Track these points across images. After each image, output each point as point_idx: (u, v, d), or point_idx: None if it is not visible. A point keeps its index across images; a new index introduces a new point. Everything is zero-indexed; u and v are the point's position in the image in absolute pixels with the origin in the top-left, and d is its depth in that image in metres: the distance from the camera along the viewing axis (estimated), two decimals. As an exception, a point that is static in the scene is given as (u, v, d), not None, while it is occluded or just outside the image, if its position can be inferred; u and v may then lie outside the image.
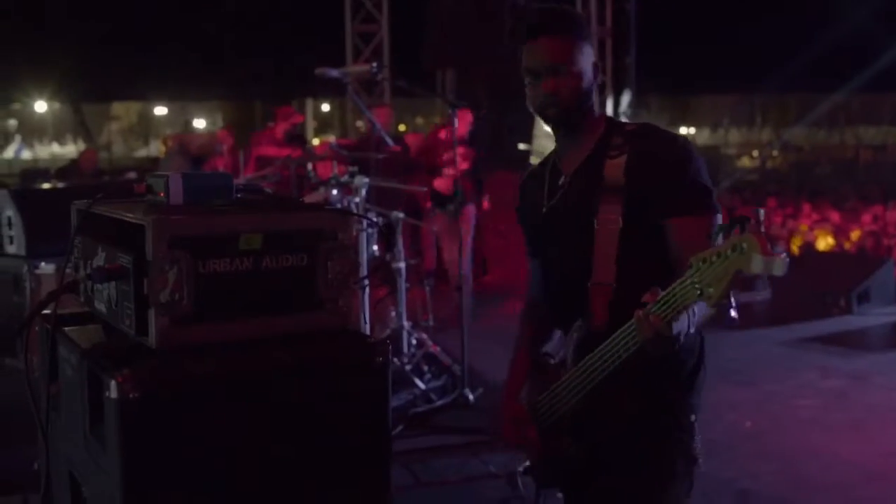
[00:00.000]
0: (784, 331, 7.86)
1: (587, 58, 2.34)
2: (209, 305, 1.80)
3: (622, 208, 2.26)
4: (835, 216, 16.05)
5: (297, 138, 9.22)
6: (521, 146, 13.15)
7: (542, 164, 2.62)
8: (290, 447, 1.82)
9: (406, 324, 5.37)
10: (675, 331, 1.96)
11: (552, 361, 2.52)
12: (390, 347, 2.00)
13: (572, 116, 2.35)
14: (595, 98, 2.40)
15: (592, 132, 2.39)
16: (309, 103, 31.72)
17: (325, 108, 34.34)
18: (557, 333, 2.66)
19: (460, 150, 6.39)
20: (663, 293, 1.95)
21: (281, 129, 9.01)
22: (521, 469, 4.49)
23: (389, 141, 6.20)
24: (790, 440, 5.39)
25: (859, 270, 9.03)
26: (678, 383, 2.36)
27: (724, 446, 5.00)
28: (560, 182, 2.43)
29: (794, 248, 12.51)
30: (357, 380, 1.89)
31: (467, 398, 4.98)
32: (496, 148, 12.45)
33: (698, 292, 1.86)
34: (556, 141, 2.48)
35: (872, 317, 8.65)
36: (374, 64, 4.94)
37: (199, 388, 1.76)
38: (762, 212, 1.75)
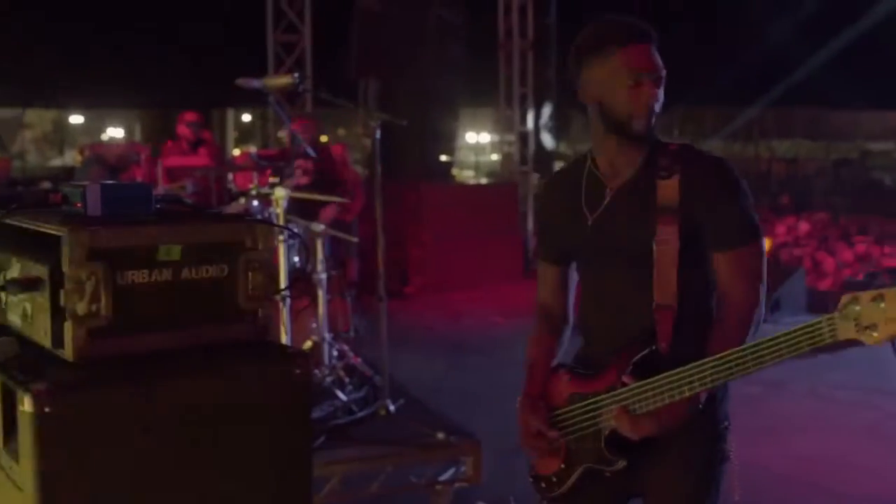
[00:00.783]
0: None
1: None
2: (127, 317, 1.79)
3: (679, 230, 2.29)
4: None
5: (203, 144, 9.07)
6: (444, 157, 13.23)
7: (570, 170, 2.59)
8: (209, 459, 1.81)
9: (327, 335, 5.35)
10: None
11: (583, 370, 2.49)
12: (311, 359, 2.00)
13: (646, 128, 2.34)
14: None
15: (638, 148, 2.38)
16: (230, 113, 31.39)
17: (247, 118, 34.01)
18: (566, 339, 2.67)
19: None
20: (801, 325, 1.99)
21: (192, 136, 8.92)
22: (443, 479, 4.53)
23: (312, 152, 6.18)
24: (705, 446, 5.51)
25: (771, 280, 9.28)
26: (716, 393, 2.41)
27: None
28: (605, 194, 2.42)
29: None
30: (277, 391, 1.90)
31: (388, 409, 4.98)
32: (418, 159, 12.49)
33: (860, 328, 1.87)
34: (599, 150, 2.45)
35: (784, 325, 8.85)
36: (297, 75, 4.93)
37: (116, 401, 1.74)
38: None
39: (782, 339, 1.99)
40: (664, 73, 2.33)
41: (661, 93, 2.33)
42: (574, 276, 2.64)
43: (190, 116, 9.03)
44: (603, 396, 2.34)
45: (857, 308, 1.86)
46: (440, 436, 4.61)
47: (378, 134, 4.75)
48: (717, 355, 2.14)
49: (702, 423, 2.36)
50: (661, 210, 2.30)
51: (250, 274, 1.93)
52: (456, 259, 11.33)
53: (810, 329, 1.95)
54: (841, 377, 7.18)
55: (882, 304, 1.82)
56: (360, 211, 9.34)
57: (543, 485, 2.51)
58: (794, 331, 1.97)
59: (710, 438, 2.42)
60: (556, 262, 2.63)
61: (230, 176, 5.74)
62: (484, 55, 13.60)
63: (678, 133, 39.35)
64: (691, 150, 2.41)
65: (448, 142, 13.78)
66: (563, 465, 2.45)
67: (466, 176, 28.45)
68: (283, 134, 12.03)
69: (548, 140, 14.44)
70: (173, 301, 1.84)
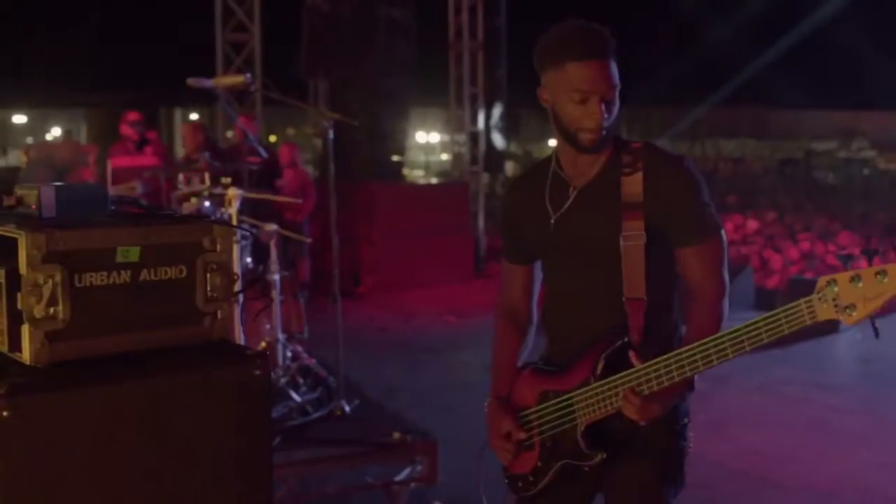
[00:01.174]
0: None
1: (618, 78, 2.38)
2: (86, 320, 1.77)
3: (644, 224, 2.34)
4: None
5: (148, 144, 8.98)
6: (395, 157, 13.23)
7: (534, 171, 2.62)
8: (170, 462, 1.80)
9: (281, 336, 5.34)
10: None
11: (551, 368, 2.52)
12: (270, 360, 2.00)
13: (605, 140, 2.37)
14: None
15: (604, 147, 2.41)
16: (177, 113, 31.06)
17: (194, 117, 33.68)
18: (531, 339, 2.71)
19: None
20: (779, 310, 2.04)
21: (135, 135, 8.83)
22: (398, 479, 4.53)
23: (262, 151, 6.15)
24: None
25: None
26: None
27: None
28: (569, 194, 2.45)
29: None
30: (237, 393, 1.89)
31: (344, 410, 4.98)
32: (369, 159, 12.49)
33: (839, 309, 1.92)
34: (562, 152, 2.47)
35: (732, 321, 8.99)
36: (248, 74, 4.90)
37: (75, 405, 1.73)
38: None
39: (762, 322, 2.04)
40: (618, 88, 2.35)
41: (612, 108, 2.34)
42: (538, 276, 2.67)
43: (132, 116, 8.94)
44: (577, 392, 2.38)
45: (836, 289, 1.91)
46: (396, 436, 4.62)
47: (331, 134, 4.75)
48: (699, 342, 2.19)
49: (664, 420, 2.40)
50: (626, 206, 2.34)
51: (209, 275, 1.92)
52: (408, 259, 11.34)
53: (790, 311, 1.99)
54: (786, 373, 7.33)
55: (860, 285, 1.87)
56: (310, 211, 9.31)
57: (520, 484, 2.53)
58: (775, 314, 2.02)
59: (671, 434, 2.47)
60: (520, 262, 2.66)
61: (181, 176, 5.68)
62: (434, 55, 13.63)
63: (626, 133, 39.78)
64: (654, 148, 2.46)
65: (398, 141, 13.78)
66: (539, 464, 2.47)
67: (416, 176, 28.46)
68: (231, 133, 11.96)
69: (498, 140, 14.53)
70: (132, 303, 1.83)
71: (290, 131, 30.94)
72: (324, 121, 4.75)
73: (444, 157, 35.00)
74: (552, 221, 2.46)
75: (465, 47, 13.34)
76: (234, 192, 4.67)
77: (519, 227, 2.60)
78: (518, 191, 2.66)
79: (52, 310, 1.73)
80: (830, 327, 8.52)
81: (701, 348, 2.18)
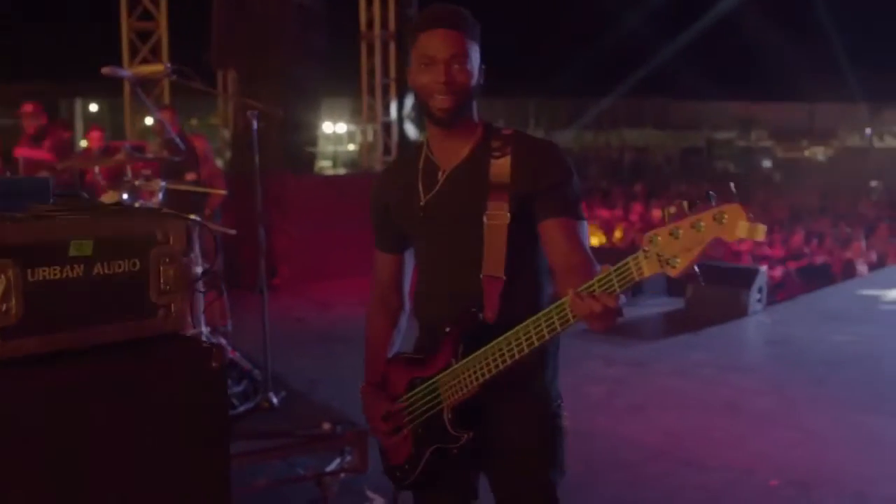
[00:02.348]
0: (566, 323, 8.24)
1: (477, 58, 2.39)
2: (39, 315, 1.74)
3: (509, 205, 2.35)
4: (604, 213, 17.03)
5: (48, 136, 8.76)
6: (309, 149, 13.12)
7: (405, 158, 2.63)
8: (128, 456, 1.78)
9: (204, 329, 5.26)
10: (621, 302, 2.05)
11: (417, 355, 2.54)
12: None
13: (458, 111, 2.37)
14: (476, 102, 2.44)
15: (471, 133, 2.45)
16: (78, 104, 30.22)
17: (94, 108, 32.83)
18: (404, 325, 2.72)
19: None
20: (611, 269, 2.02)
21: (31, 128, 8.63)
22: (329, 469, 4.52)
23: (180, 143, 6.04)
24: (580, 425, 5.63)
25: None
26: (549, 367, 2.52)
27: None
28: (438, 177, 2.46)
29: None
30: (194, 385, 1.88)
31: (272, 402, 4.94)
32: (282, 150, 12.35)
33: (663, 263, 1.91)
34: (431, 137, 2.50)
35: (646, 307, 9.28)
36: (169, 64, 4.81)
37: (31, 402, 1.69)
38: (733, 185, 1.83)
39: (596, 283, 2.03)
40: (470, 59, 2.35)
41: (462, 76, 2.34)
42: (410, 266, 2.70)
43: (27, 108, 8.70)
44: (440, 376, 2.40)
45: (658, 244, 1.92)
46: (326, 426, 4.61)
47: (255, 124, 4.69)
48: (548, 308, 2.18)
49: (534, 403, 2.47)
50: (492, 187, 2.37)
51: (162, 268, 1.91)
52: (323, 249, 11.28)
53: (620, 269, 2.00)
54: (699, 356, 7.55)
55: (679, 237, 1.89)
56: (219, 203, 9.17)
57: (398, 474, 2.56)
58: (607, 274, 2.02)
59: (543, 416, 2.50)
60: (392, 250, 2.67)
61: (97, 168, 5.54)
62: (343, 45, 13.55)
63: (534, 124, 40.25)
64: (524, 134, 2.49)
65: (310, 132, 13.66)
66: (412, 452, 2.49)
67: (324, 166, 28.29)
68: (150, 122, 11.68)
69: (411, 130, 14.52)
70: (86, 297, 1.80)
71: (194, 122, 30.41)
72: (248, 111, 4.68)
73: (352, 147, 34.88)
74: (421, 204, 2.48)
75: (376, 37, 13.30)
76: (156, 184, 4.59)
77: (389, 213, 2.60)
78: (389, 177, 2.66)
79: (3, 306, 1.70)
80: (740, 311, 8.82)
81: (556, 308, 2.14)
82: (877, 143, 44.38)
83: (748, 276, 9.24)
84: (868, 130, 45.27)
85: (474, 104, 2.44)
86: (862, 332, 8.35)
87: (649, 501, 4.67)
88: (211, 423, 1.91)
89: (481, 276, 2.37)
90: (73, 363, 1.76)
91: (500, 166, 2.38)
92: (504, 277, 2.35)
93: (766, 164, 39.43)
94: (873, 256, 13.48)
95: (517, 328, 2.21)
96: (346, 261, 11.44)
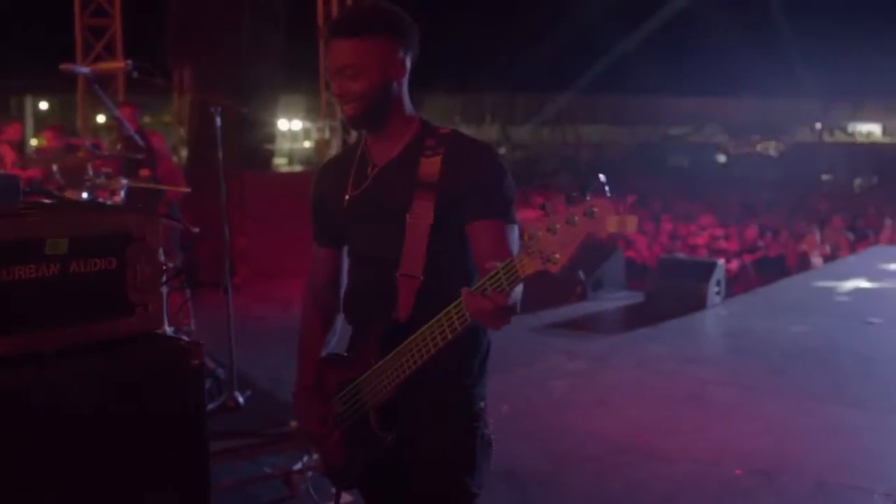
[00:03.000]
0: (531, 318, 8.29)
1: (382, 57, 2.32)
2: (15, 315, 1.72)
3: (434, 205, 2.31)
4: (557, 205, 17.13)
5: None
6: (267, 146, 13.03)
7: (344, 153, 2.62)
8: (111, 453, 1.76)
9: (168, 329, 5.20)
10: (511, 301, 2.04)
11: (346, 355, 2.50)
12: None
13: (367, 116, 2.35)
14: (402, 96, 2.40)
15: (404, 130, 2.42)
16: (28, 100, 29.74)
17: (44, 105, 32.32)
18: (338, 325, 2.65)
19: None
20: (500, 266, 2.00)
21: None
22: (297, 468, 4.50)
23: (140, 140, 5.97)
24: (545, 420, 5.74)
25: (592, 259, 9.68)
26: (471, 372, 2.45)
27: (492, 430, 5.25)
28: (368, 172, 2.44)
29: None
30: (174, 383, 1.86)
31: (237, 401, 4.91)
32: (239, 147, 12.25)
33: (544, 260, 1.90)
34: (367, 133, 2.47)
35: (606, 301, 9.36)
36: (129, 60, 4.75)
37: (9, 403, 1.67)
38: (603, 177, 1.84)
39: (487, 282, 2.03)
40: (357, 63, 2.31)
41: (352, 82, 2.32)
42: (346, 261, 2.64)
43: None
44: (364, 377, 2.38)
45: (538, 242, 1.92)
46: (292, 424, 4.59)
47: (218, 121, 4.65)
48: (440, 314, 2.17)
49: (456, 407, 2.43)
50: (419, 185, 2.34)
51: (138, 266, 1.88)
52: (282, 247, 11.19)
53: (507, 268, 1.99)
54: (660, 350, 7.62)
55: (556, 232, 1.89)
56: (177, 200, 9.07)
57: (336, 475, 2.55)
58: (496, 272, 2.02)
59: (462, 419, 2.44)
60: (326, 245, 2.63)
61: (55, 166, 5.45)
62: (300, 41, 13.47)
63: (489, 120, 40.35)
64: (460, 134, 2.46)
65: (268, 129, 13.57)
66: (347, 453, 2.47)
67: (280, 163, 28.11)
68: (102, 120, 11.53)
69: (369, 127, 14.45)
70: (62, 296, 1.77)
71: (148, 119, 30.04)
72: (212, 108, 4.64)
73: (308, 144, 34.69)
74: (347, 198, 2.46)
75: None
76: (118, 182, 4.53)
77: (323, 207, 2.58)
78: (326, 171, 2.64)
79: (-21, 306, 1.67)
80: (699, 304, 8.92)
81: (455, 308, 2.14)
82: (826, 139, 45.17)
83: (706, 270, 9.34)
84: (818, 125, 46.06)
85: (403, 100, 2.40)
86: (818, 323, 8.49)
87: (616, 494, 4.70)
88: (191, 422, 1.90)
89: (398, 274, 2.33)
90: (51, 363, 1.73)
91: (431, 165, 2.35)
92: (421, 277, 2.32)
93: (720, 158, 39.91)
94: (827, 249, 13.70)
95: (423, 328, 2.20)
96: (305, 258, 11.35)
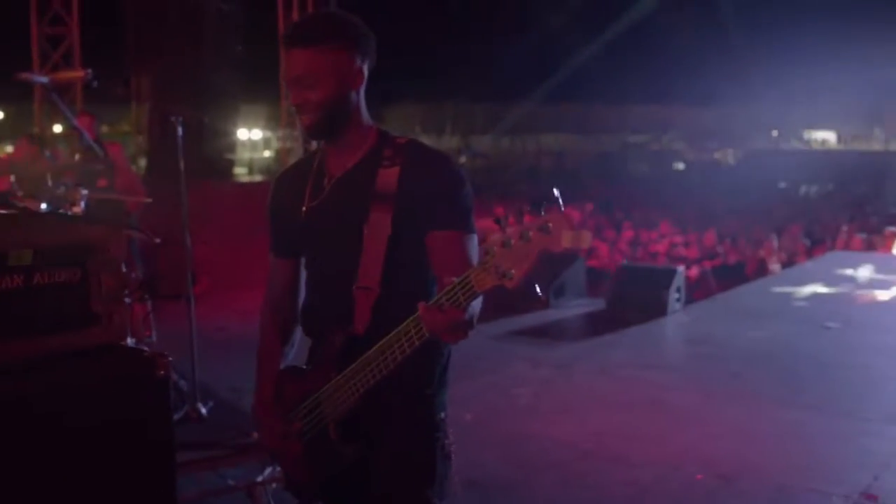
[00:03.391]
0: (493, 326, 8.30)
1: (340, 67, 2.31)
2: (-22, 327, 1.70)
3: (392, 216, 2.30)
4: (510, 219, 17.21)
5: None
6: (227, 156, 12.98)
7: (301, 163, 2.59)
8: (77, 465, 1.75)
9: (130, 341, 5.16)
10: (468, 315, 2.04)
11: (305, 368, 2.48)
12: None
13: (324, 125, 2.34)
14: (360, 105, 2.38)
15: (362, 140, 2.40)
16: (-18, 110, 29.33)
17: (-1, 115, 31.91)
18: (297, 336, 2.62)
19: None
20: (456, 281, 2.00)
21: None
22: (260, 479, 4.48)
23: (99, 150, 5.92)
24: (509, 427, 5.76)
25: (553, 269, 9.72)
26: (431, 382, 2.43)
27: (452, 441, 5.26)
28: (325, 184, 2.42)
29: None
30: (139, 394, 1.86)
31: (200, 412, 4.88)
32: (199, 157, 12.18)
33: (499, 276, 1.90)
34: (325, 143, 2.45)
35: (568, 309, 9.42)
36: (89, 70, 4.70)
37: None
38: (557, 191, 1.82)
39: (444, 297, 2.03)
40: (312, 73, 2.30)
41: (310, 92, 2.31)
42: (304, 272, 2.61)
43: None
44: (324, 390, 2.36)
45: (493, 257, 1.92)
46: (255, 436, 4.56)
47: (180, 131, 4.63)
48: (399, 329, 2.16)
49: (417, 417, 2.41)
50: (377, 197, 2.32)
51: (102, 277, 1.88)
52: (242, 257, 11.15)
53: (464, 282, 2.00)
54: (623, 356, 7.68)
55: (511, 248, 1.89)
56: (138, 210, 8.99)
57: (298, 489, 2.53)
58: (452, 287, 2.02)
59: (426, 429, 2.43)
60: (283, 256, 2.61)
61: (12, 177, 5.38)
62: (261, 50, 13.43)
63: (450, 130, 40.46)
64: (419, 144, 2.44)
65: (228, 139, 13.53)
66: (309, 466, 2.45)
67: (240, 173, 27.97)
68: (59, 129, 11.40)
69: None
70: (26, 307, 1.76)
71: (105, 129, 29.76)
72: (172, 118, 4.62)
73: (267, 153, 34.52)
74: (304, 210, 2.44)
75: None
76: (78, 193, 4.49)
77: (280, 217, 2.56)
78: (283, 182, 2.60)
79: (-59, 318, 1.65)
80: (659, 311, 9.00)
81: (413, 322, 2.13)
82: (783, 146, 45.85)
83: (667, 277, 9.43)
84: (774, 133, 46.76)
85: (361, 110, 2.39)
86: (776, 329, 8.60)
87: (581, 500, 4.73)
88: (157, 433, 1.89)
89: (354, 286, 2.32)
90: (16, 375, 1.72)
91: (388, 176, 2.33)
92: (378, 290, 2.31)
93: (679, 166, 40.35)
94: (784, 255, 13.89)
95: (382, 343, 2.19)
96: (266, 269, 11.34)
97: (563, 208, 1.80)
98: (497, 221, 1.91)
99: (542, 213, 1.82)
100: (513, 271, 1.87)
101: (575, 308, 9.47)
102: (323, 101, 2.31)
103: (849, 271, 11.99)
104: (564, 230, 1.79)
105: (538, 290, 1.94)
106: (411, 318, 2.12)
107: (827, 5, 33.72)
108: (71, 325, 1.84)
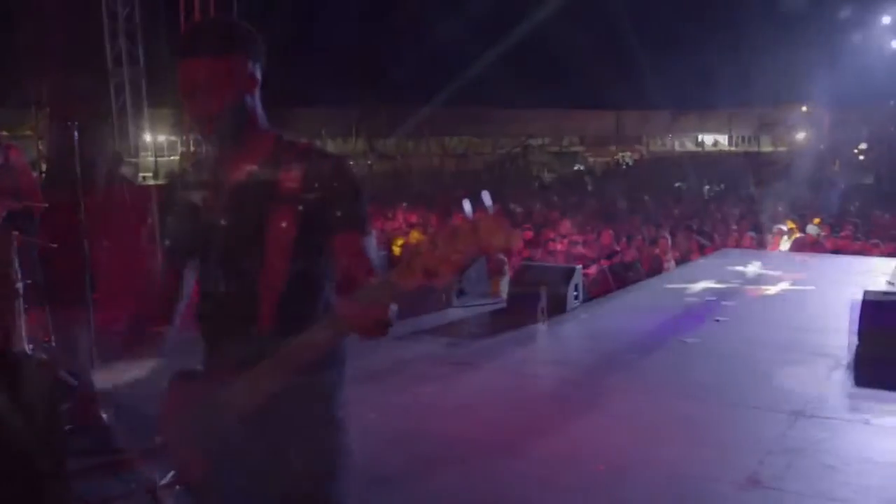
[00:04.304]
0: (396, 325, 8.36)
1: (234, 73, 2.34)
2: None
3: (293, 218, 2.33)
4: (432, 219, 17.31)
5: None
6: (130, 160, 12.76)
7: (200, 166, 2.59)
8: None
9: (28, 347, 5.09)
10: (390, 314, 2.07)
11: (203, 370, 2.50)
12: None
13: (222, 133, 2.37)
14: (255, 109, 2.41)
15: (258, 144, 2.42)
16: None
17: None
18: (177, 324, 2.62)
19: None
20: (377, 281, 2.05)
21: None
22: (164, 483, 4.48)
23: (-4, 155, 5.82)
24: (412, 425, 5.86)
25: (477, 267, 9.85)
26: (330, 380, 2.48)
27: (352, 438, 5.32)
28: (225, 188, 2.43)
29: (396, 250, 13.31)
30: (28, 400, 1.87)
31: (101, 418, 4.85)
32: (101, 161, 11.95)
33: (427, 275, 1.92)
34: (222, 149, 2.45)
35: (469, 308, 9.58)
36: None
37: None
38: (487, 194, 1.85)
39: (364, 294, 2.06)
40: (205, 82, 2.32)
41: (203, 103, 2.34)
42: (188, 282, 2.63)
43: None
44: (223, 393, 2.36)
45: (421, 257, 1.94)
46: (158, 439, 4.56)
47: (76, 135, 4.60)
48: (313, 326, 2.21)
49: (316, 416, 2.44)
50: (278, 199, 2.35)
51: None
52: (143, 262, 10.99)
53: (388, 285, 2.02)
54: (523, 353, 7.88)
55: (439, 247, 1.91)
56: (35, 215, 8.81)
57: (194, 492, 2.55)
58: (373, 286, 2.07)
59: (325, 427, 2.47)
60: (175, 265, 2.61)
61: None
62: (163, 53, 13.26)
63: (354, 132, 40.32)
64: (317, 148, 2.49)
65: (131, 142, 13.29)
66: (205, 469, 2.46)
67: (146, 177, 27.32)
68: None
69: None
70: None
71: (5, 133, 28.77)
72: (70, 122, 4.59)
73: (174, 157, 33.83)
74: (205, 216, 2.45)
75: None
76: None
77: (178, 220, 2.56)
78: (174, 188, 2.61)
79: None
80: (558, 308, 9.22)
81: (329, 319, 2.17)
82: (678, 148, 47.13)
83: (565, 275, 9.67)
84: (669, 136, 48.10)
85: (257, 114, 2.42)
86: (670, 323, 8.91)
87: (481, 494, 4.84)
88: (47, 439, 1.92)
89: (258, 289, 2.35)
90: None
91: (290, 180, 2.35)
92: (282, 290, 2.35)
93: (578, 167, 41.09)
94: (678, 253, 14.31)
95: (293, 340, 2.21)
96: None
97: (492, 210, 1.84)
98: (422, 226, 1.94)
99: (472, 214, 1.85)
100: (441, 270, 1.90)
101: (476, 308, 9.63)
102: (221, 108, 2.33)
103: (738, 268, 12.48)
104: (495, 230, 1.82)
105: (462, 287, 1.98)
106: (327, 315, 2.17)
107: (718, 22, 35.08)
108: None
